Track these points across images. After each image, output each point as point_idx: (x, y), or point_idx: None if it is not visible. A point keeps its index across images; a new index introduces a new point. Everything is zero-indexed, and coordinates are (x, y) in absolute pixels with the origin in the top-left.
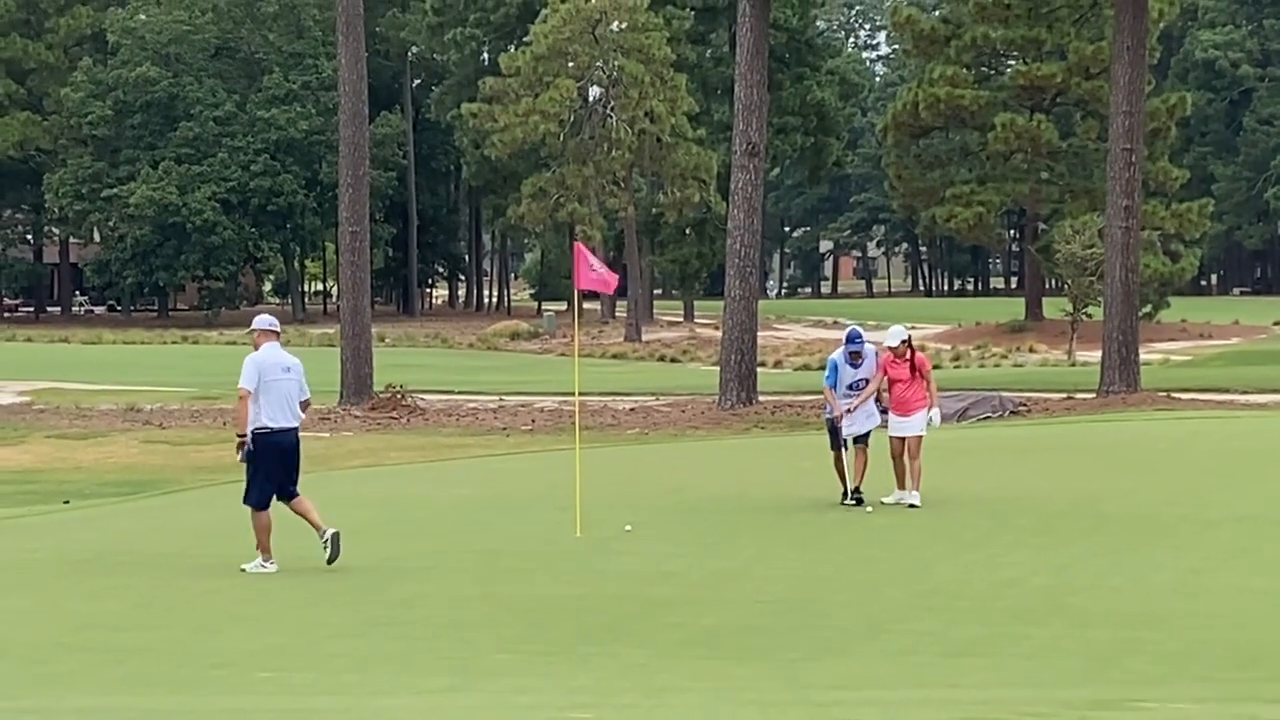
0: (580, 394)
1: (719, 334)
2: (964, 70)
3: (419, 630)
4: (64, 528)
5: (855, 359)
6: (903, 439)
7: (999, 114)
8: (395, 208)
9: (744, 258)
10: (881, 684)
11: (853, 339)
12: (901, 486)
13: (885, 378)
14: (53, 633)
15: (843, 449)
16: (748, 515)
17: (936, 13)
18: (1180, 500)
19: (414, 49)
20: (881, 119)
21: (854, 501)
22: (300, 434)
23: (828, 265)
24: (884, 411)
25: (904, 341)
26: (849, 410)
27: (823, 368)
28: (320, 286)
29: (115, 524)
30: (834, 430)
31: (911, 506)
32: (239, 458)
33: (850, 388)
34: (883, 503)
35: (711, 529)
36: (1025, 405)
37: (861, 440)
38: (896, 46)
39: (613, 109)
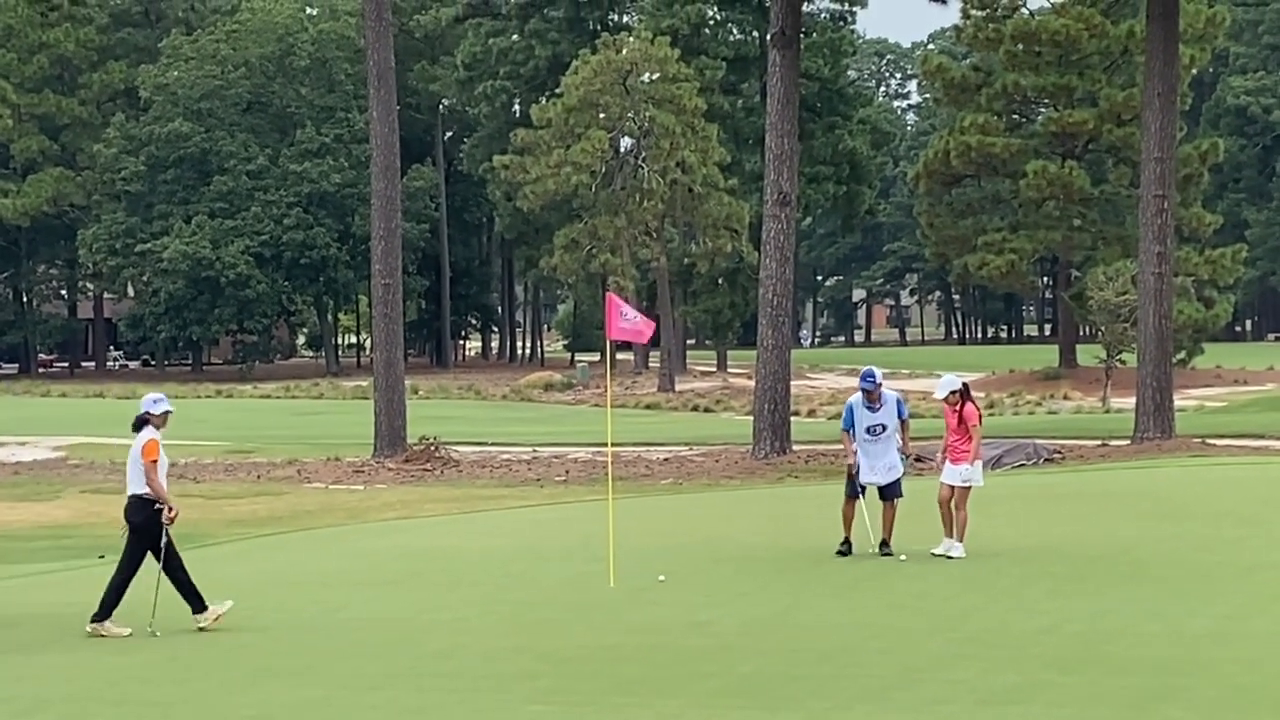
0: (613, 444)
1: (752, 384)
2: (995, 118)
3: (454, 682)
4: (99, 582)
5: (871, 400)
6: (951, 487)
7: (1030, 161)
8: (428, 260)
9: (776, 307)
10: None
11: (866, 378)
12: (948, 535)
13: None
14: (88, 687)
15: (858, 498)
16: (782, 564)
17: (967, 61)
18: (1216, 547)
19: (445, 102)
20: (913, 167)
21: (883, 554)
22: None
23: (861, 314)
24: (917, 459)
25: (954, 392)
26: (870, 435)
27: None
28: (354, 339)
29: (150, 579)
30: (851, 478)
31: (947, 557)
32: None
33: (869, 431)
34: (932, 554)
35: (745, 578)
36: (1060, 452)
37: (890, 493)
38: (927, 95)
39: (644, 159)
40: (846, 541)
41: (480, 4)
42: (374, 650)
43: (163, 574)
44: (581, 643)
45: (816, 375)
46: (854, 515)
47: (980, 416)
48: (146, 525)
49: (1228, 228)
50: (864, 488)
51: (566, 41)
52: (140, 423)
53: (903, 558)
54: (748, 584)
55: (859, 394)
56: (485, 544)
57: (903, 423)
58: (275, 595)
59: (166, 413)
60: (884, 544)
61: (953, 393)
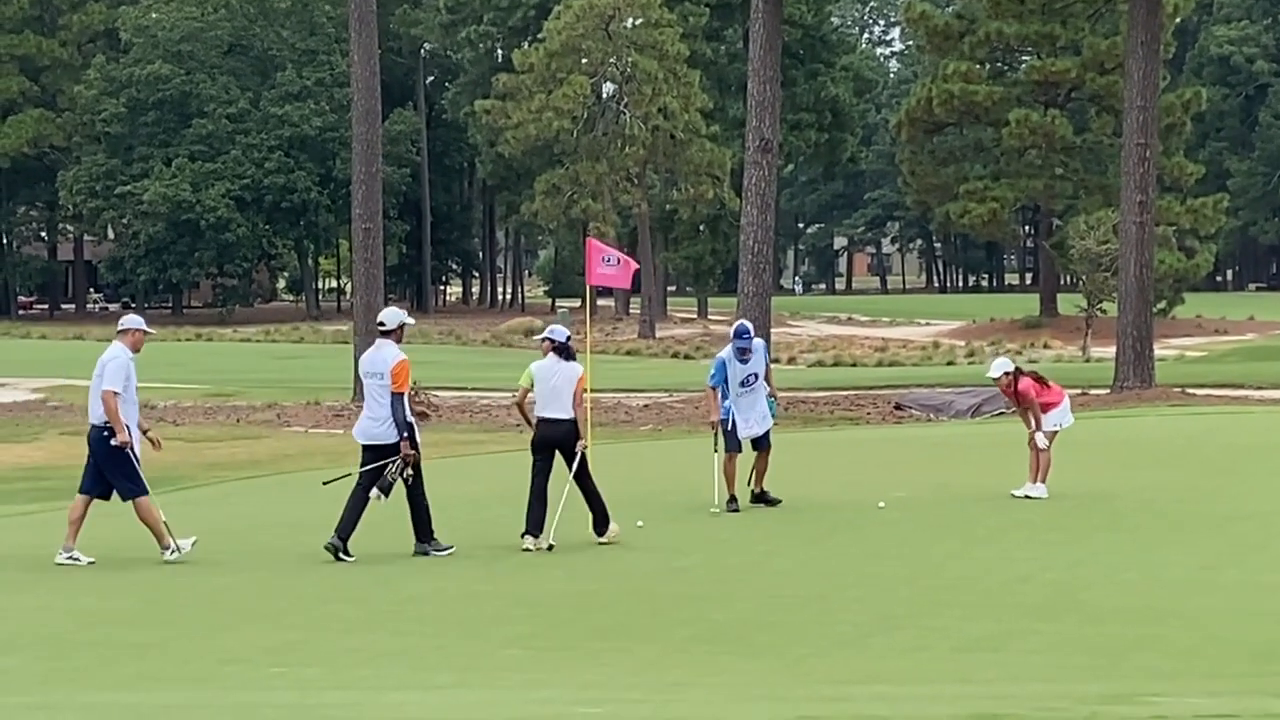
0: (593, 390)
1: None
2: (978, 66)
3: (430, 626)
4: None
5: (744, 354)
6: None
7: (1013, 110)
8: (409, 204)
9: (757, 254)
10: (892, 679)
11: (742, 334)
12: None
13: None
14: (64, 628)
15: (739, 452)
16: (759, 511)
17: (950, 8)
18: (1193, 496)
19: (427, 46)
20: (895, 115)
21: (766, 503)
22: (105, 432)
23: (842, 262)
24: (896, 407)
25: (1006, 373)
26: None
27: (836, 364)
28: (334, 283)
29: (128, 520)
30: (729, 433)
31: (1026, 497)
32: None
33: (743, 384)
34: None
35: (722, 525)
36: None
37: (764, 444)
38: (910, 42)
39: (626, 105)
40: (734, 499)
41: None
42: (352, 594)
43: (573, 484)
44: (558, 588)
45: (797, 323)
46: (735, 471)
47: (1037, 389)
48: (575, 441)
49: (1210, 177)
50: (741, 444)
51: None
52: (570, 350)
53: (881, 505)
54: (725, 531)
55: (729, 348)
56: (463, 489)
57: (766, 366)
58: (254, 538)
59: None
60: (764, 494)
61: (1005, 374)
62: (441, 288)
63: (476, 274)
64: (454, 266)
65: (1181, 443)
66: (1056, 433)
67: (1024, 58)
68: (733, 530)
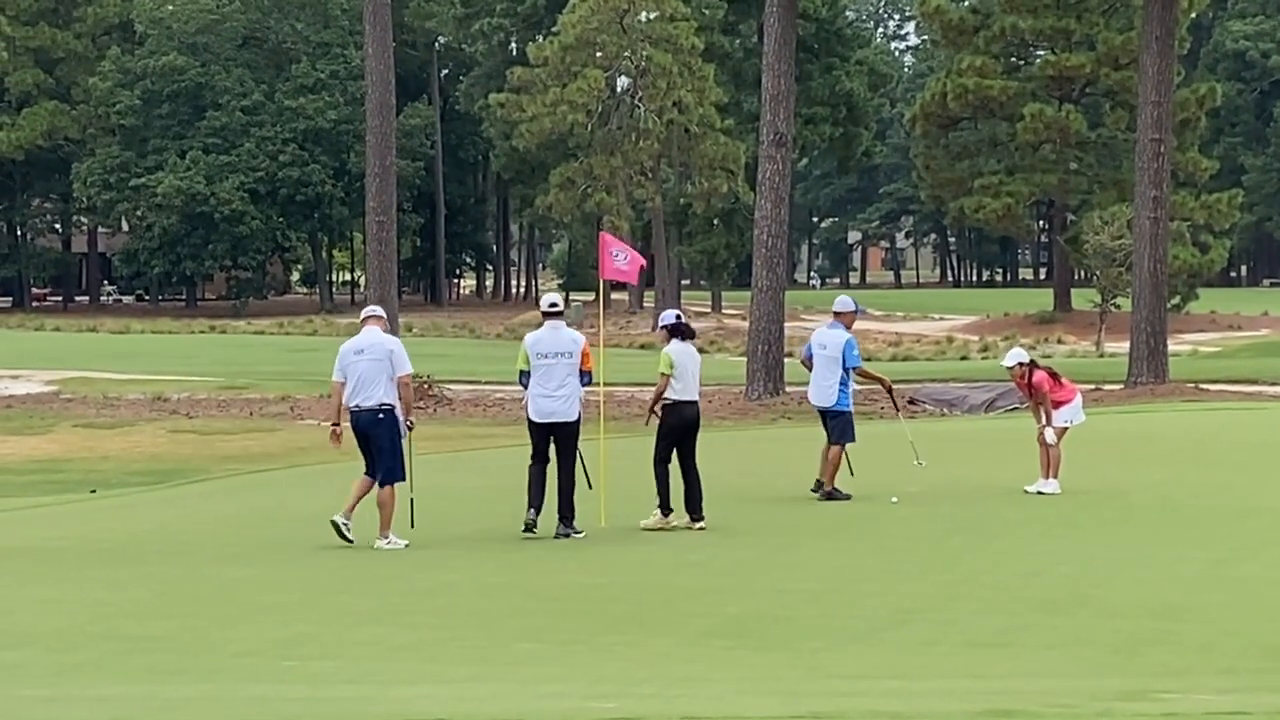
0: (606, 384)
1: (746, 324)
2: (993, 60)
3: (443, 619)
4: (90, 517)
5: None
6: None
7: (1027, 104)
8: (423, 198)
9: (771, 248)
10: (905, 674)
11: (860, 309)
12: (1044, 475)
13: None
14: (77, 621)
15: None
16: (772, 505)
17: (965, 3)
18: (1207, 492)
19: (441, 39)
20: (910, 109)
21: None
22: (382, 414)
23: (856, 256)
24: (911, 401)
25: (1020, 364)
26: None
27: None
28: (348, 276)
29: (141, 513)
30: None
31: (1039, 493)
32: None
33: None
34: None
35: (736, 519)
36: None
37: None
38: (925, 37)
39: (641, 99)
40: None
41: None
42: (364, 586)
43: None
44: (571, 581)
45: (810, 317)
46: None
47: (1050, 383)
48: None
49: (1224, 172)
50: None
51: None
52: (680, 331)
53: (894, 500)
54: (738, 524)
55: (840, 327)
56: (477, 482)
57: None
58: (266, 531)
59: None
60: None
61: (1020, 364)
62: (455, 281)
63: (490, 267)
64: (468, 260)
65: (1195, 438)
66: (1066, 429)
67: (1038, 52)
68: (745, 524)
